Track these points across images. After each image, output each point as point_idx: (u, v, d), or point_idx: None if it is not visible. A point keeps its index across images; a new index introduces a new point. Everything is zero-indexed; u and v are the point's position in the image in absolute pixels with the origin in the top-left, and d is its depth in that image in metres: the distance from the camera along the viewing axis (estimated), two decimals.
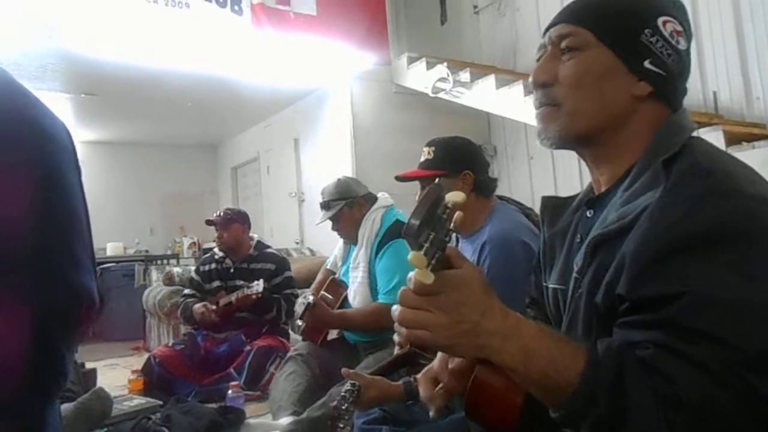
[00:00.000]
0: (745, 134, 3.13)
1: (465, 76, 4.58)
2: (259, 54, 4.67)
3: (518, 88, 4.20)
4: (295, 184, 6.09)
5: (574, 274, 0.87)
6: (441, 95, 4.75)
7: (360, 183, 2.79)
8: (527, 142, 5.21)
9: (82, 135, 6.95)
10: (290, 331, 3.42)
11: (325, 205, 2.69)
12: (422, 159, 1.93)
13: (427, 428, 1.71)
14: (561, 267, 0.97)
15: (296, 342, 3.13)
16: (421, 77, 4.95)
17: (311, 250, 5.62)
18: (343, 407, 1.53)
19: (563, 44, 0.88)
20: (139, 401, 2.58)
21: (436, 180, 1.87)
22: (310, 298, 2.53)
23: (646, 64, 0.85)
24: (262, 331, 3.32)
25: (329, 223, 2.74)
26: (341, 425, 1.53)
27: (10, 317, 0.46)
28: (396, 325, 0.70)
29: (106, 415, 2.02)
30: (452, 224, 0.67)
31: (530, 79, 0.91)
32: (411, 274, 0.67)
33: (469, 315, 0.67)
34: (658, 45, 0.85)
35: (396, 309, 0.70)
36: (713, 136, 2.98)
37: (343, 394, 1.56)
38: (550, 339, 0.70)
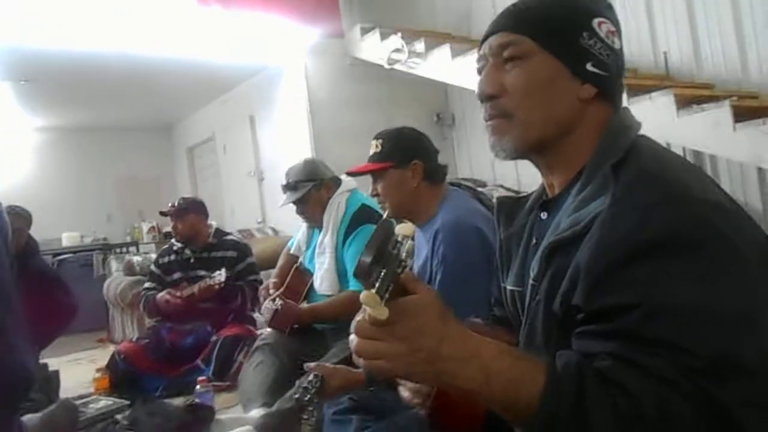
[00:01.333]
0: (695, 96, 3.17)
1: (420, 46, 4.51)
2: (206, 32, 4.52)
3: (474, 56, 4.15)
4: (254, 163, 5.98)
5: (531, 281, 0.87)
6: (397, 66, 4.68)
7: (327, 166, 2.74)
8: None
9: (30, 122, 6.67)
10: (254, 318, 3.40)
11: (292, 186, 2.63)
12: (371, 152, 1.92)
13: (399, 417, 1.73)
14: (517, 269, 0.98)
15: (263, 329, 3.12)
16: (375, 48, 4.86)
17: (274, 230, 5.56)
18: (306, 398, 1.53)
19: (506, 54, 0.87)
20: (105, 403, 2.54)
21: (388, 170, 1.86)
22: (278, 303, 2.51)
23: (589, 66, 0.85)
24: (228, 319, 3.28)
25: (290, 205, 2.69)
26: (305, 417, 1.54)
27: None
28: (353, 355, 0.69)
29: (73, 427, 1.98)
30: (405, 254, 0.66)
31: (477, 93, 0.90)
32: (364, 308, 0.65)
33: (426, 343, 0.66)
34: (597, 47, 0.85)
35: (352, 339, 0.69)
36: (665, 101, 3.02)
37: (305, 385, 1.56)
38: (510, 358, 0.70)
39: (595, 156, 0.83)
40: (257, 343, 2.78)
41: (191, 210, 3.35)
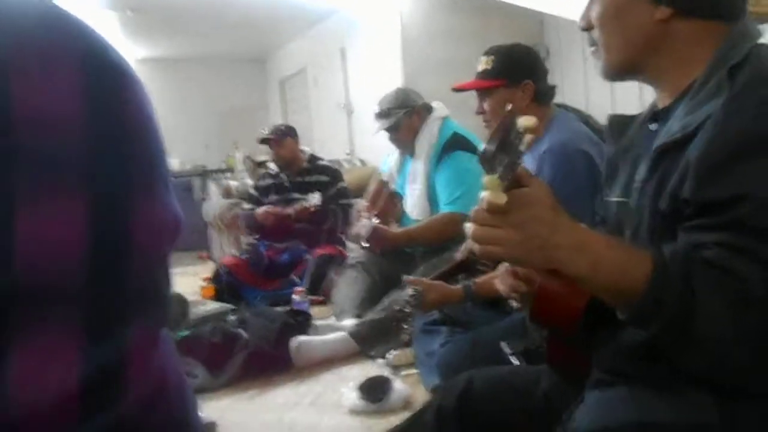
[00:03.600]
0: None
1: None
2: None
3: None
4: (344, 96, 6.06)
5: (637, 184, 0.90)
6: None
7: (418, 93, 2.78)
8: (583, 42, 4.98)
9: (133, 52, 7.03)
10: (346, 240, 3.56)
11: (384, 114, 2.70)
12: (480, 69, 1.91)
13: (486, 329, 1.82)
14: (624, 180, 1.00)
15: (353, 250, 3.27)
16: None
17: (362, 161, 5.68)
18: (407, 310, 1.63)
19: None
20: (213, 306, 2.78)
21: (501, 92, 1.86)
22: (375, 221, 2.61)
23: None
24: (321, 240, 3.46)
25: (381, 133, 2.77)
26: (405, 326, 1.65)
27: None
28: (469, 241, 0.76)
29: (185, 317, 2.20)
30: (524, 147, 0.71)
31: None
32: (483, 194, 0.71)
33: (539, 231, 0.71)
34: None
35: (470, 227, 0.75)
36: None
37: (406, 298, 1.66)
38: (617, 248, 0.75)
39: (711, 64, 0.84)
40: (350, 260, 2.94)
41: (288, 134, 3.52)
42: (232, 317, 2.52)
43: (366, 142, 5.75)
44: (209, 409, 1.91)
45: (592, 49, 0.99)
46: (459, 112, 2.80)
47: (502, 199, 0.69)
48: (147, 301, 0.42)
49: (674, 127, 0.84)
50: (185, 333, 2.25)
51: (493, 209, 0.70)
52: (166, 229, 0.44)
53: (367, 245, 2.61)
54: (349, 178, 4.21)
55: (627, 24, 0.90)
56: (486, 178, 0.69)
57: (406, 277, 1.77)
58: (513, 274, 1.10)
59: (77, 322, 0.37)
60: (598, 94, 4.63)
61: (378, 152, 3.52)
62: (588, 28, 0.96)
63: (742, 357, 0.69)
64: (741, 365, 0.70)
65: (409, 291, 1.68)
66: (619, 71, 0.95)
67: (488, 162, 0.69)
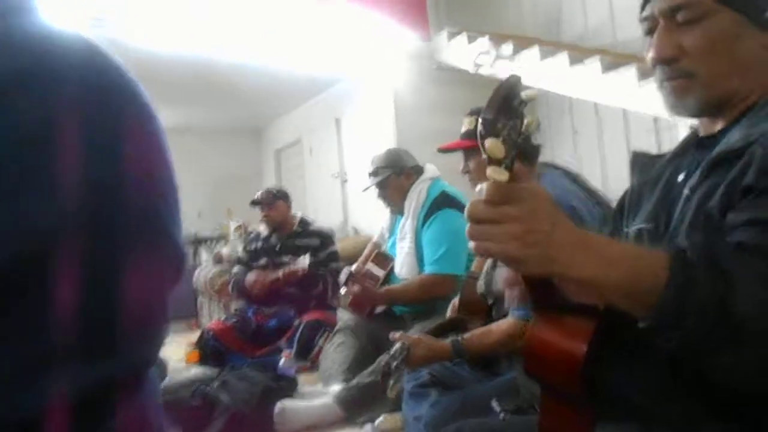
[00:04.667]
0: None
1: (507, 48, 4.50)
2: (297, 39, 4.72)
3: (563, 58, 4.11)
4: (338, 165, 6.13)
5: (686, 192, 0.85)
6: (482, 71, 4.69)
7: (410, 154, 2.82)
8: (572, 116, 5.11)
9: None
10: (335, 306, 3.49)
11: (374, 172, 2.73)
12: (464, 129, 1.94)
13: (476, 387, 1.74)
14: (651, 208, 0.95)
15: (344, 316, 3.20)
16: (462, 52, 4.90)
17: (355, 230, 5.67)
18: (393, 364, 1.56)
19: (680, 17, 0.86)
20: (196, 371, 2.68)
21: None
22: (353, 267, 2.58)
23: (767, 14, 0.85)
24: (310, 305, 3.39)
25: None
26: (391, 382, 1.57)
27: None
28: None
29: (162, 378, 2.11)
30: (524, 127, 0.67)
31: (650, 56, 0.89)
32: (480, 186, 0.67)
33: (540, 225, 0.65)
34: None
35: (467, 220, 0.68)
36: None
37: (392, 352, 1.59)
38: (623, 245, 0.71)
39: None
40: (339, 325, 2.86)
41: (280, 197, 3.53)
42: (216, 383, 2.42)
43: (360, 211, 5.77)
44: None
45: (669, 83, 0.89)
46: (452, 179, 2.82)
47: (504, 175, 0.65)
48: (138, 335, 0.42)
49: (734, 138, 0.81)
50: (163, 397, 2.14)
51: (492, 194, 0.65)
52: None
53: (346, 291, 2.56)
54: (342, 246, 4.18)
55: (738, 53, 0.84)
56: (489, 142, 0.64)
57: (392, 334, 1.71)
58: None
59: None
60: (588, 167, 4.69)
61: (372, 221, 3.52)
62: (675, 59, 0.87)
63: None
64: None
65: (396, 345, 1.62)
66: (713, 105, 0.87)
67: (490, 122, 0.64)
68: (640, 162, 1.03)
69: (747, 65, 0.85)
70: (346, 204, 6.10)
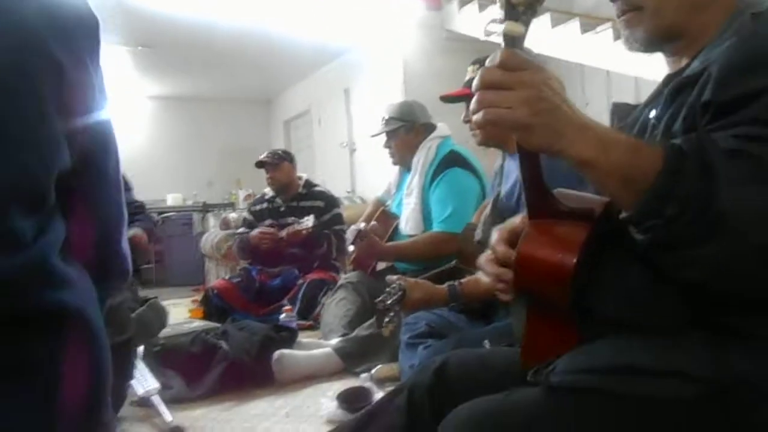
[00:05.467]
0: None
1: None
2: (307, 4, 4.69)
3: (575, 25, 4.06)
4: (346, 135, 6.12)
5: (652, 121, 0.85)
6: (493, 38, 4.63)
7: (424, 109, 2.77)
8: (583, 87, 5.04)
9: (146, 89, 7.18)
10: (338, 265, 3.50)
11: (385, 122, 2.70)
12: (467, 78, 1.92)
13: (470, 332, 1.74)
14: None
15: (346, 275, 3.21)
16: (473, 21, 4.84)
17: (362, 199, 5.67)
18: (388, 302, 1.57)
19: None
20: (198, 323, 2.71)
21: None
22: (362, 225, 2.57)
23: None
24: (314, 265, 3.41)
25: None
26: (386, 320, 1.58)
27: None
28: (471, 111, 0.70)
29: (162, 326, 2.12)
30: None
31: None
32: (503, 27, 0.67)
33: (550, 96, 0.65)
34: None
35: (475, 93, 0.68)
36: None
37: (388, 290, 1.60)
38: (624, 134, 0.72)
39: (734, 13, 0.82)
40: (341, 281, 2.87)
41: (285, 159, 3.52)
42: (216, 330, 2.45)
43: (367, 180, 5.76)
44: (181, 417, 1.82)
45: (623, 18, 0.89)
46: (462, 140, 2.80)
47: (520, 29, 0.66)
48: None
49: (694, 65, 0.81)
50: (162, 343, 2.17)
51: (507, 59, 0.65)
52: None
53: (354, 250, 2.55)
54: (348, 215, 4.18)
55: None
56: (508, 23, 0.66)
57: (390, 277, 1.71)
58: (495, 261, 1.04)
59: None
60: None
61: (379, 190, 3.51)
62: None
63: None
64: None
65: (393, 285, 1.62)
66: (660, 36, 0.88)
67: (509, 9, 0.66)
68: (620, 111, 1.02)
69: (700, 1, 0.84)
70: (353, 173, 6.10)
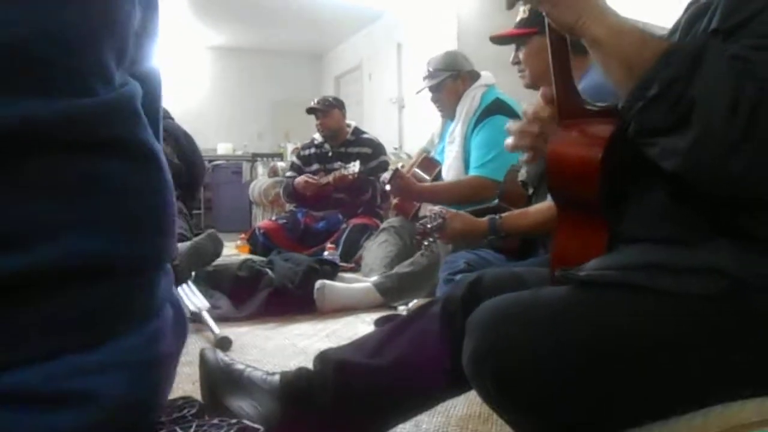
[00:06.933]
0: None
1: None
2: None
3: None
4: (397, 90, 6.11)
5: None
6: None
7: (467, 59, 2.77)
8: None
9: (204, 39, 7.31)
10: (382, 212, 3.57)
11: (430, 75, 2.71)
12: (518, 18, 1.91)
13: (506, 265, 1.78)
14: None
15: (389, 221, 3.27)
16: None
17: (408, 155, 5.68)
18: (429, 226, 1.61)
19: None
20: (245, 256, 2.83)
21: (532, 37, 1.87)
22: (399, 165, 2.61)
23: None
24: (358, 211, 3.48)
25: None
26: (426, 243, 1.63)
27: None
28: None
29: (217, 255, 2.24)
30: None
31: None
32: None
33: None
34: None
35: None
36: None
37: (429, 214, 1.64)
38: (639, 27, 0.75)
39: None
40: (383, 225, 2.94)
41: (336, 106, 3.57)
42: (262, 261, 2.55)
43: (415, 136, 5.76)
44: (227, 332, 1.93)
45: None
46: (511, 89, 2.78)
47: None
48: None
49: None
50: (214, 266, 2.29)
51: None
52: None
53: (389, 186, 2.60)
54: None
55: None
56: None
57: (432, 208, 1.76)
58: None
59: None
60: None
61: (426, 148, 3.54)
62: None
63: (733, 137, 0.64)
64: (733, 147, 0.65)
65: (434, 211, 1.66)
66: None
67: None
68: None
69: None
70: (401, 129, 6.11)
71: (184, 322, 0.53)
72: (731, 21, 0.72)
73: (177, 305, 0.52)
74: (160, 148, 0.50)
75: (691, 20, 0.83)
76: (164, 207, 0.49)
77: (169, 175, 0.50)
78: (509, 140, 1.02)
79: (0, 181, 0.37)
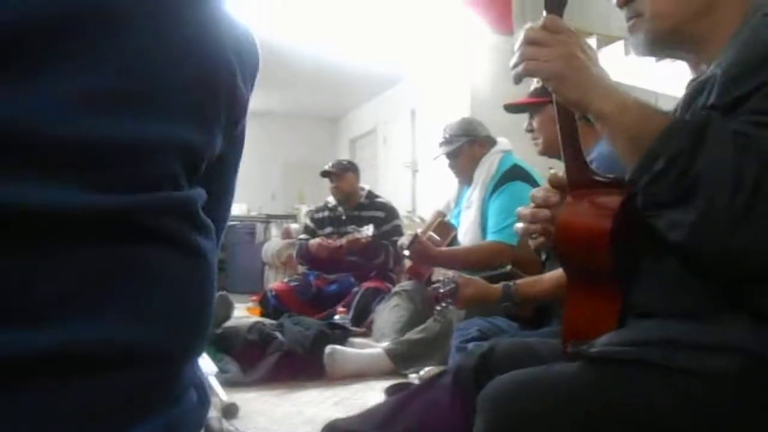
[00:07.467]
0: None
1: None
2: (378, 31, 4.87)
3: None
4: (410, 155, 6.21)
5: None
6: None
7: (482, 125, 2.81)
8: None
9: None
10: (395, 276, 3.54)
11: (447, 141, 2.73)
12: (531, 88, 1.95)
13: (519, 335, 1.74)
14: None
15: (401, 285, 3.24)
16: None
17: (422, 219, 5.71)
18: (441, 291, 1.60)
19: None
20: (257, 319, 2.81)
21: (545, 107, 1.91)
22: (418, 230, 2.61)
23: None
24: (371, 275, 3.46)
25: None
26: (438, 308, 1.60)
27: None
28: (512, 65, 0.81)
29: (227, 318, 2.23)
30: None
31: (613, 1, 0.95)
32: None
33: (584, 56, 0.77)
34: None
35: (518, 48, 0.80)
36: None
37: (442, 279, 1.63)
38: (643, 102, 0.77)
39: (749, 13, 0.83)
40: (395, 289, 2.91)
41: (350, 169, 3.63)
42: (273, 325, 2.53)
43: (428, 201, 5.80)
44: (235, 398, 1.89)
45: (630, 23, 0.93)
46: (525, 155, 2.81)
47: None
48: None
49: (709, 69, 0.83)
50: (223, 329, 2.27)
51: (551, 22, 0.78)
52: None
53: (408, 252, 2.58)
54: (407, 233, 4.23)
55: None
56: None
57: (445, 272, 1.74)
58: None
59: None
60: None
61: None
62: (627, 1, 0.90)
63: (736, 211, 0.64)
64: (736, 221, 0.65)
65: (448, 276, 1.65)
66: (666, 39, 0.90)
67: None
68: None
69: (693, 3, 0.86)
70: (415, 193, 6.17)
71: (207, 402, 0.53)
72: (728, 97, 0.73)
73: (201, 387, 0.52)
74: (212, 248, 0.51)
75: (690, 97, 0.84)
76: (203, 305, 0.51)
77: (214, 276, 0.52)
78: (519, 225, 1.02)
79: (39, 259, 0.39)
